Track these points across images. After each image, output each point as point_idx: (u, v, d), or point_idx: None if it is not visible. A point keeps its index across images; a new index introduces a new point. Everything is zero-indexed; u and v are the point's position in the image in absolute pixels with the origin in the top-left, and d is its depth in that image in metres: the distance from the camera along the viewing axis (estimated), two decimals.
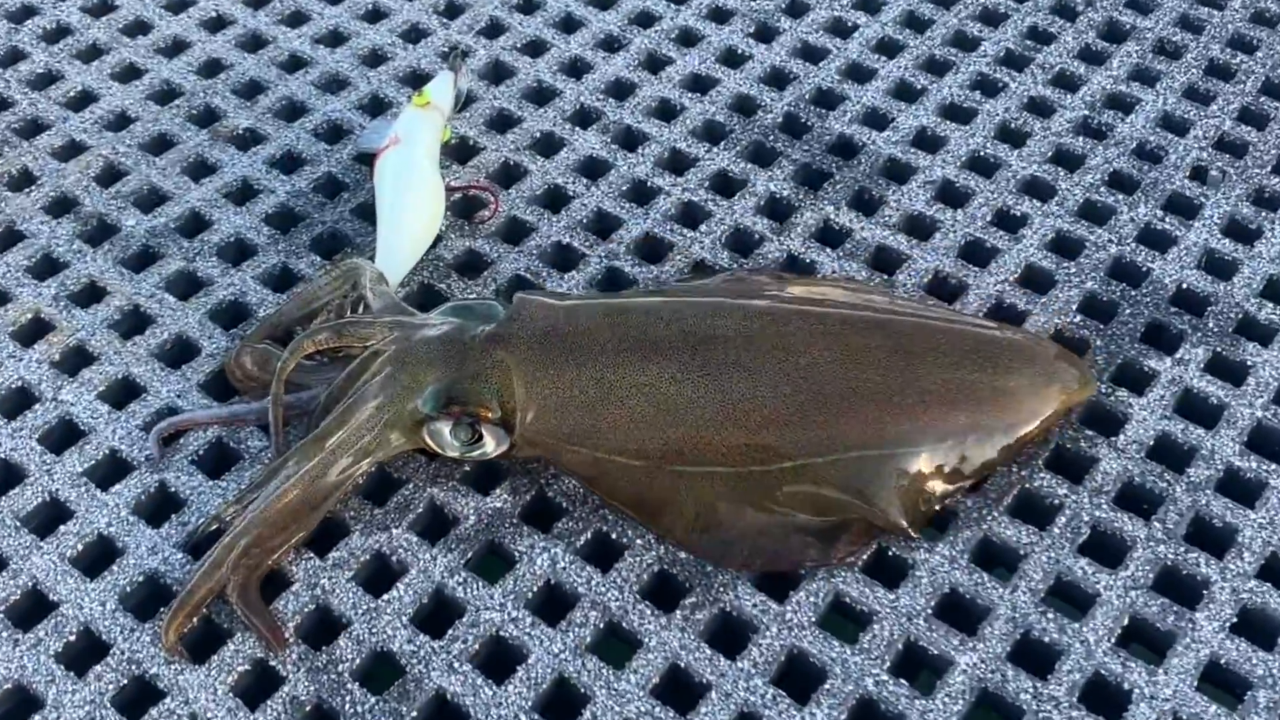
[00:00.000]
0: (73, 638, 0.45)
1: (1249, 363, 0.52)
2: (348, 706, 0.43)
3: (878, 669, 0.44)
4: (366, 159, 0.59)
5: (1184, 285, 0.55)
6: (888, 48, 0.66)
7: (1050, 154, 0.61)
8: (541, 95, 0.64)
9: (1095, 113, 0.63)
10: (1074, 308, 0.55)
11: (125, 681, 0.44)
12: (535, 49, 0.66)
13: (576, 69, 0.65)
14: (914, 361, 0.49)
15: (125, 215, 0.58)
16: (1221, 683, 0.44)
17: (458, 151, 0.61)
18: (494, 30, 0.67)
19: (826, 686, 0.43)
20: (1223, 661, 0.44)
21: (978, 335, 0.50)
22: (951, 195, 0.59)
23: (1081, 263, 0.56)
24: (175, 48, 0.66)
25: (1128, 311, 0.54)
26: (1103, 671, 0.44)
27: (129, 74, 0.65)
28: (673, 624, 0.45)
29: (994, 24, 0.68)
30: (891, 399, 0.48)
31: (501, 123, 0.63)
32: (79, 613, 0.45)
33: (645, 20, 0.68)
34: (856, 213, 0.58)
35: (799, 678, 0.44)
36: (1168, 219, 0.58)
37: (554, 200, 0.59)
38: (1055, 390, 0.49)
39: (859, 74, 0.65)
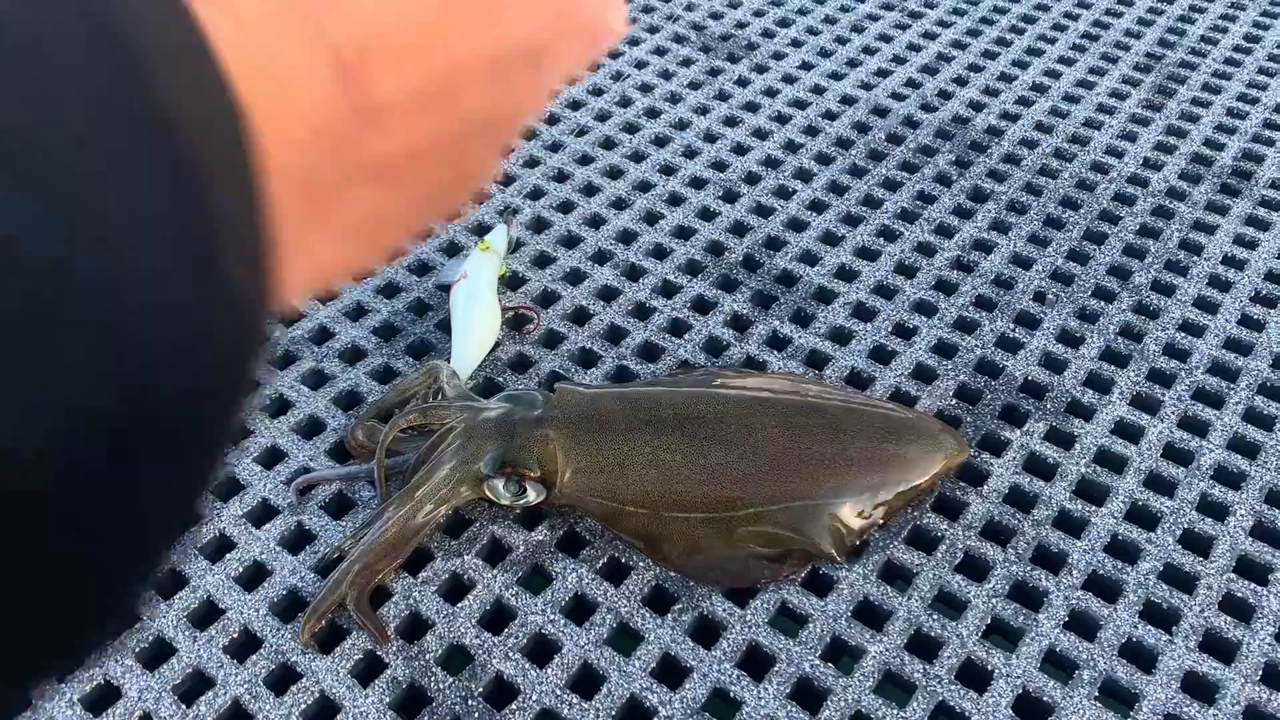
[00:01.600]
0: (235, 634, 0.47)
1: (1075, 433, 0.55)
2: (432, 684, 0.45)
3: (812, 656, 0.46)
4: (444, 288, 0.62)
5: (1029, 377, 0.58)
6: (818, 206, 0.70)
7: (933, 283, 0.64)
8: (570, 241, 0.67)
9: (965, 252, 0.66)
10: (951, 394, 0.57)
11: (273, 667, 0.46)
12: (566, 208, 0.70)
13: (595, 222, 0.68)
14: (841, 435, 0.51)
15: (271, 329, 0.61)
16: (1058, 664, 0.46)
17: (510, 282, 0.64)
18: (536, 194, 0.70)
19: (775, 669, 0.46)
20: (1058, 649, 0.46)
21: (885, 415, 0.53)
22: (863, 313, 0.62)
23: (956, 361, 0.59)
24: None
25: (989, 397, 0.57)
26: (972, 657, 0.46)
27: None
28: (665, 624, 0.47)
29: (892, 189, 0.71)
30: (825, 463, 0.50)
31: (542, 261, 0.66)
32: (240, 616, 0.47)
33: (644, 187, 0.71)
34: (796, 325, 0.61)
35: (756, 663, 0.46)
36: (1018, 330, 0.61)
37: (580, 317, 0.62)
38: (940, 456, 0.52)
39: (797, 225, 0.68)
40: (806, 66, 0.82)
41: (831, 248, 0.66)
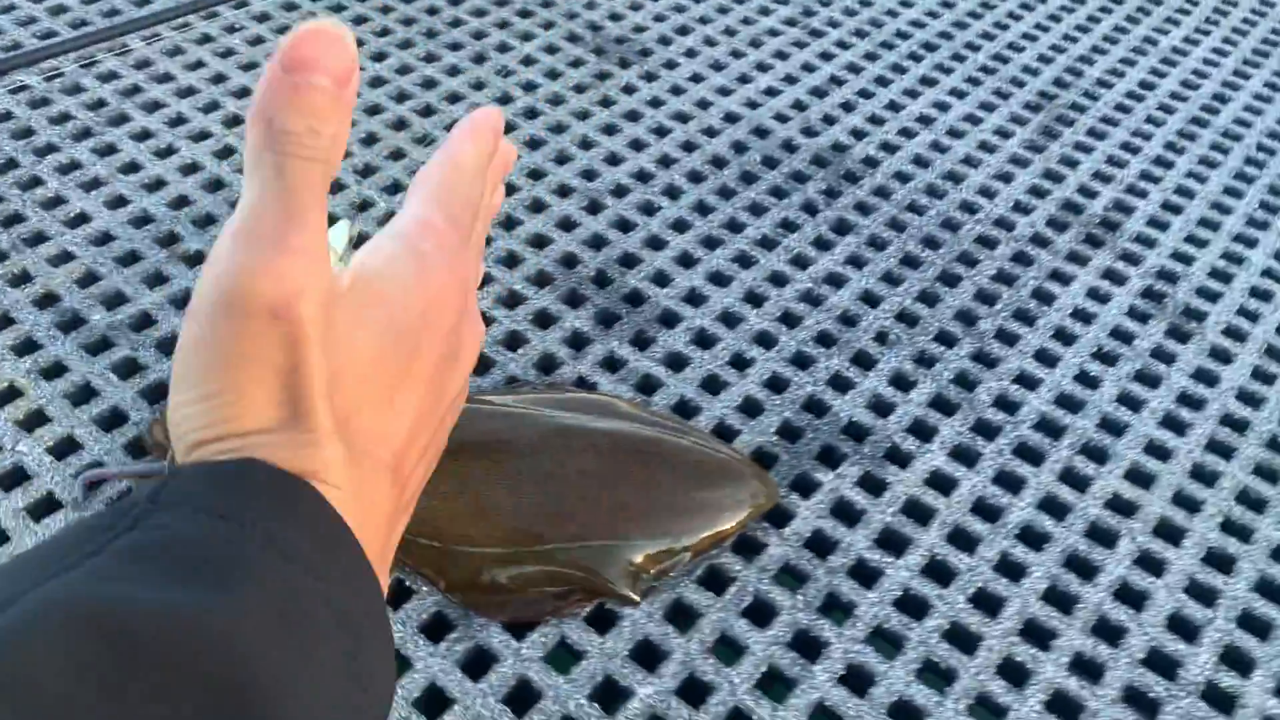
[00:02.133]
0: None
1: (888, 481, 0.55)
2: None
3: (580, 695, 0.46)
4: None
5: (854, 419, 0.58)
6: (680, 225, 0.69)
7: (779, 314, 0.63)
8: None
9: (816, 285, 0.66)
10: (774, 429, 0.57)
11: None
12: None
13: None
14: (652, 479, 0.50)
15: (93, 311, 0.59)
16: (828, 718, 0.46)
17: None
18: (394, 189, 0.69)
19: (540, 705, 0.45)
20: (828, 703, 0.46)
21: (699, 459, 0.52)
22: (704, 339, 0.62)
23: (785, 397, 0.59)
24: (155, 185, 0.68)
25: (810, 436, 0.57)
26: (740, 706, 0.46)
27: (117, 202, 0.66)
28: (437, 653, 0.46)
29: (757, 214, 0.70)
30: (633, 506, 0.49)
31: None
32: None
33: (509, 190, 0.70)
34: (634, 347, 0.60)
35: (523, 698, 0.46)
36: (852, 369, 0.61)
37: None
38: (748, 503, 0.51)
39: (656, 244, 0.67)
40: (696, 79, 0.81)
41: (685, 269, 0.65)
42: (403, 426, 0.32)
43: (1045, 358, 0.62)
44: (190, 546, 0.25)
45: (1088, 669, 0.48)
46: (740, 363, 0.60)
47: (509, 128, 0.75)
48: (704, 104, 0.79)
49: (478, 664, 0.47)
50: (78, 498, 0.50)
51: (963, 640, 0.49)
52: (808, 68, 0.83)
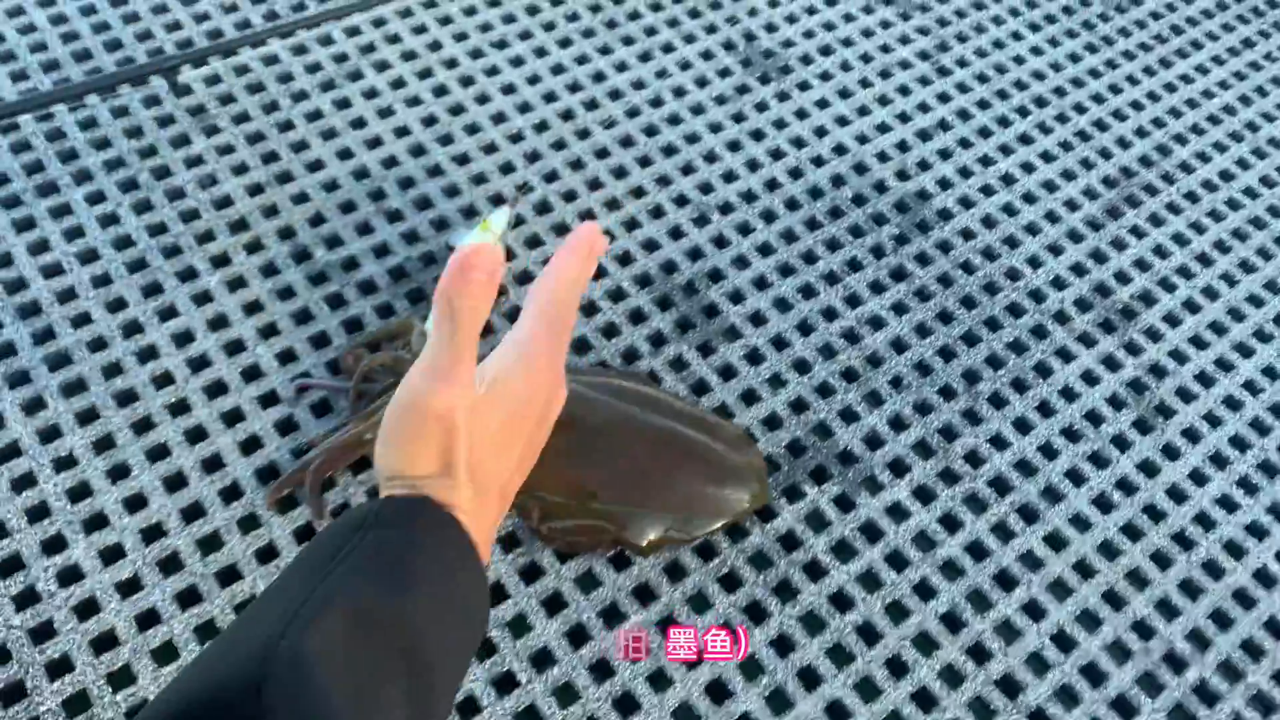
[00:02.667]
0: (227, 482, 0.70)
1: (857, 503, 0.73)
2: None
3: (592, 611, 0.67)
4: (450, 247, 0.81)
5: (849, 448, 0.76)
6: (766, 249, 0.85)
7: (820, 345, 0.80)
8: (561, 229, 0.84)
9: (859, 325, 0.82)
10: (784, 444, 0.75)
11: (245, 514, 0.69)
12: (570, 197, 0.87)
13: (587, 217, 0.85)
14: (681, 471, 0.69)
15: (317, 248, 0.81)
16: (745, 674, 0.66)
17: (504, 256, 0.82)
18: (551, 177, 0.87)
19: (564, 613, 0.67)
20: (756, 657, 0.67)
21: (723, 459, 0.71)
22: (754, 357, 0.79)
23: (802, 418, 0.76)
24: (374, 143, 0.88)
25: (810, 454, 0.75)
26: (697, 645, 0.67)
27: (344, 154, 0.87)
28: (505, 560, 0.68)
29: (832, 249, 0.86)
30: (661, 489, 0.69)
31: (532, 242, 0.83)
32: (234, 473, 0.70)
33: (638, 194, 0.87)
34: (698, 354, 0.79)
35: (555, 605, 0.68)
36: (862, 405, 0.78)
37: None
38: (747, 501, 0.70)
39: (742, 263, 0.84)
40: (822, 104, 0.95)
41: (758, 291, 0.82)
42: (509, 465, 0.52)
43: (1022, 425, 0.78)
44: (393, 556, 0.45)
45: (953, 678, 0.67)
46: (777, 382, 0.78)
47: (651, 130, 0.91)
48: (821, 132, 0.93)
49: (531, 573, 0.68)
50: (291, 397, 0.73)
51: (868, 636, 0.68)
52: (923, 108, 0.96)
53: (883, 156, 0.92)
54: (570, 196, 0.86)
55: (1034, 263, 0.87)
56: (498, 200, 0.85)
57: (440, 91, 0.91)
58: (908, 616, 0.69)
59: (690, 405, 0.74)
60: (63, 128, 0.84)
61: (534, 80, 0.93)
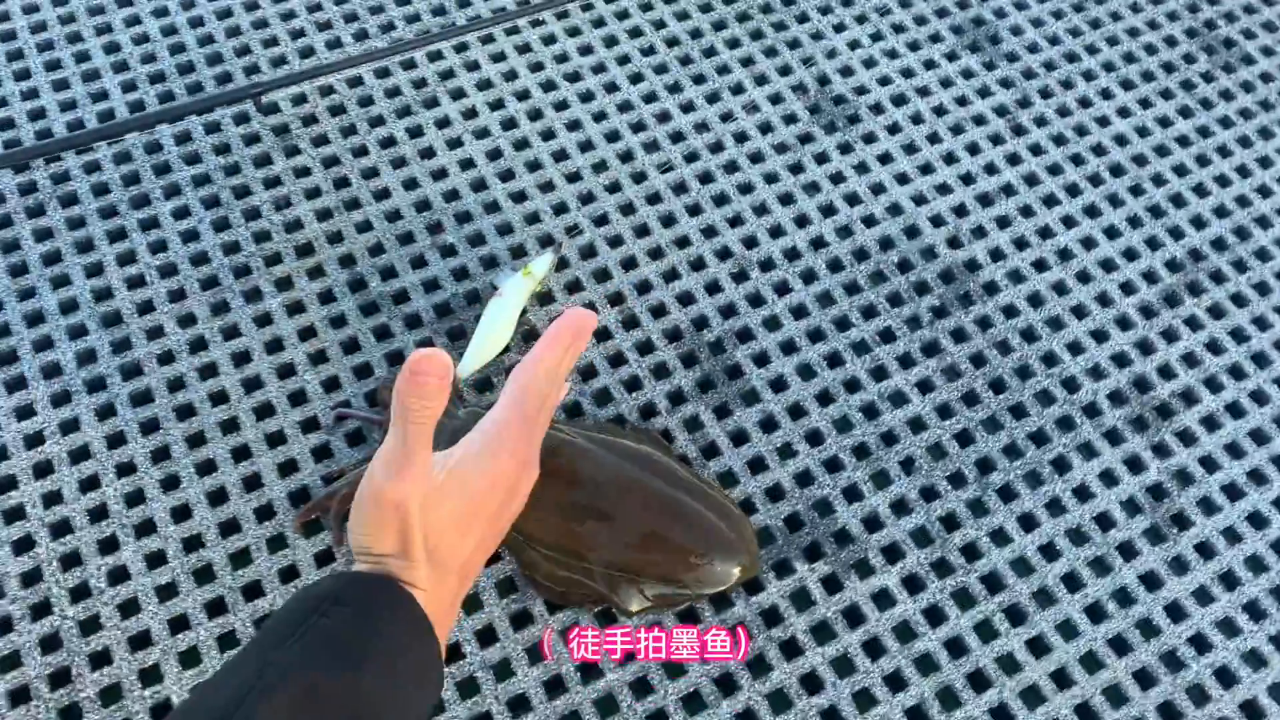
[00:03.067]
0: (261, 502, 0.77)
1: (845, 585, 0.75)
2: None
3: (572, 660, 0.72)
4: (494, 287, 0.85)
5: (846, 527, 0.77)
6: (800, 312, 0.86)
7: (837, 417, 0.82)
8: (601, 275, 0.88)
9: (880, 400, 0.83)
10: (783, 517, 0.78)
11: (271, 534, 0.76)
12: (615, 243, 0.89)
13: (629, 265, 0.88)
14: (674, 540, 0.72)
15: (372, 278, 0.86)
16: None
17: (541, 298, 0.86)
18: (600, 220, 0.90)
19: (546, 663, 0.72)
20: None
21: (717, 531, 0.73)
22: (768, 424, 0.81)
23: (805, 493, 0.78)
24: (439, 174, 0.92)
25: (808, 530, 0.77)
26: (666, 708, 0.71)
27: (410, 184, 0.92)
28: (499, 605, 0.74)
29: (867, 317, 0.87)
30: (654, 556, 0.72)
31: (573, 286, 0.87)
32: (270, 494, 0.77)
33: (682, 243, 0.89)
34: (714, 415, 0.81)
35: (538, 654, 0.73)
36: (868, 484, 0.79)
37: None
38: (736, 575, 0.73)
39: (773, 324, 0.86)
40: (885, 159, 0.94)
41: (784, 356, 0.84)
42: (468, 546, 0.57)
43: (1027, 522, 0.78)
44: (347, 635, 0.51)
45: None
46: (787, 452, 0.80)
47: (706, 177, 0.92)
48: (878, 189, 0.93)
49: (521, 619, 0.73)
50: (329, 424, 0.79)
51: None
52: (990, 169, 0.94)
53: (937, 220, 0.91)
54: (616, 242, 0.89)
55: (1074, 349, 0.85)
56: (546, 241, 0.88)
57: (509, 124, 0.94)
58: (874, 706, 0.71)
59: (693, 473, 0.77)
60: (159, 139, 0.91)
61: (600, 117, 0.95)
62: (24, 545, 0.74)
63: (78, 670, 0.70)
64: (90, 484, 0.77)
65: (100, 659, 0.71)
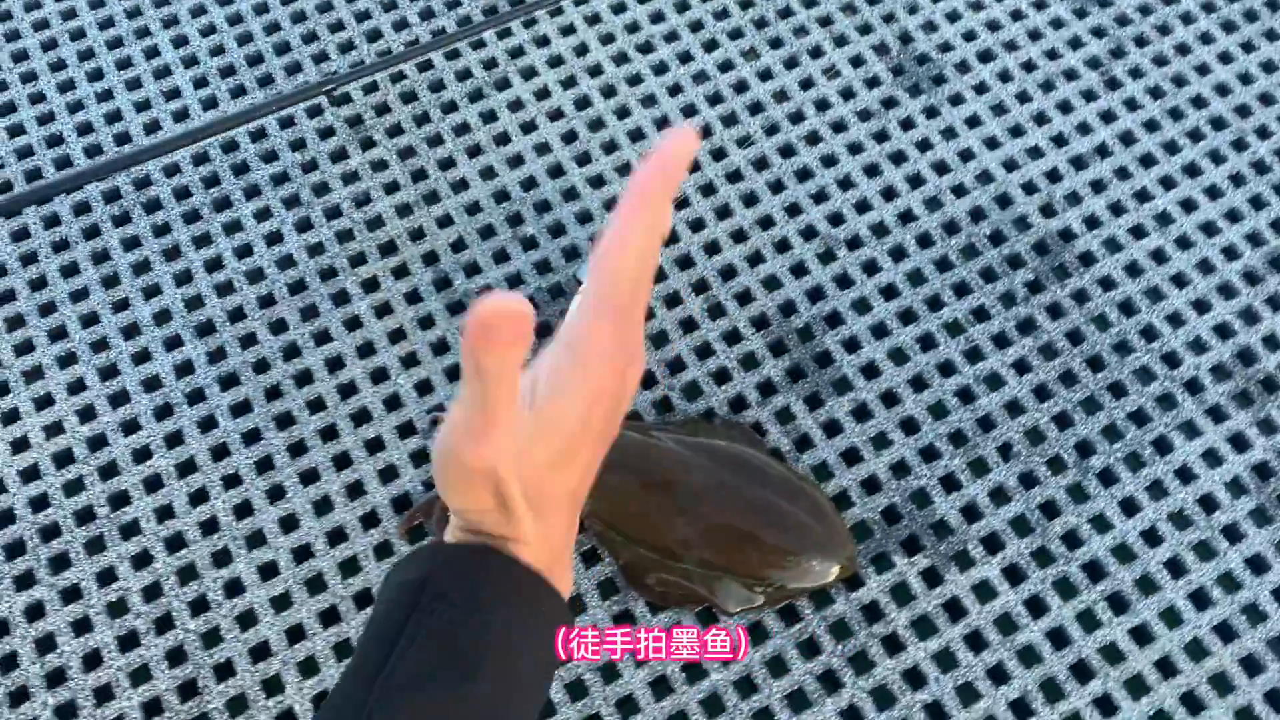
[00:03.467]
0: (364, 511, 0.79)
1: (945, 578, 0.75)
2: None
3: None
4: (578, 279, 0.84)
5: (945, 519, 0.77)
6: (890, 292, 0.85)
7: (932, 404, 0.81)
8: (685, 262, 0.86)
9: (976, 384, 0.81)
10: (880, 510, 0.77)
11: (380, 541, 0.78)
12: (697, 226, 0.88)
13: (712, 249, 0.86)
14: (770, 539, 0.73)
15: (456, 276, 0.86)
16: None
17: None
18: (680, 204, 0.88)
19: (650, 663, 0.73)
20: None
21: (810, 531, 0.74)
22: (861, 413, 0.80)
23: (902, 484, 0.78)
24: (515, 161, 0.91)
25: (905, 523, 0.77)
26: (770, 706, 0.72)
27: (487, 173, 0.90)
28: (603, 607, 0.75)
29: (960, 295, 0.85)
30: (751, 556, 0.73)
31: (657, 274, 0.86)
32: (373, 500, 0.79)
33: (766, 224, 0.87)
34: (806, 406, 0.81)
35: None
36: (965, 473, 0.78)
37: (659, 340, 0.83)
38: (834, 571, 0.73)
39: (862, 307, 0.84)
40: (973, 122, 0.91)
41: (875, 340, 0.83)
42: (576, 474, 0.47)
43: (1129, 507, 0.77)
44: (459, 636, 0.44)
45: None
46: (881, 441, 0.80)
47: (788, 150, 0.90)
48: (967, 155, 0.90)
49: (623, 619, 0.75)
50: (425, 429, 0.80)
51: (935, 714, 0.72)
52: (1083, 128, 0.90)
53: (1029, 187, 0.88)
54: (698, 225, 0.87)
55: (1175, 320, 0.83)
56: None
57: (582, 104, 0.92)
58: (978, 700, 0.72)
59: (787, 468, 0.77)
60: (236, 138, 0.91)
61: (675, 90, 0.92)
62: (142, 561, 0.77)
63: (204, 682, 0.73)
64: (199, 497, 0.79)
65: (224, 671, 0.74)
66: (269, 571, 0.76)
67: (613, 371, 0.45)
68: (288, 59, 0.94)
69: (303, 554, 0.77)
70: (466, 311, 0.39)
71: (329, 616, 0.75)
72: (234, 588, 0.76)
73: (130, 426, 0.81)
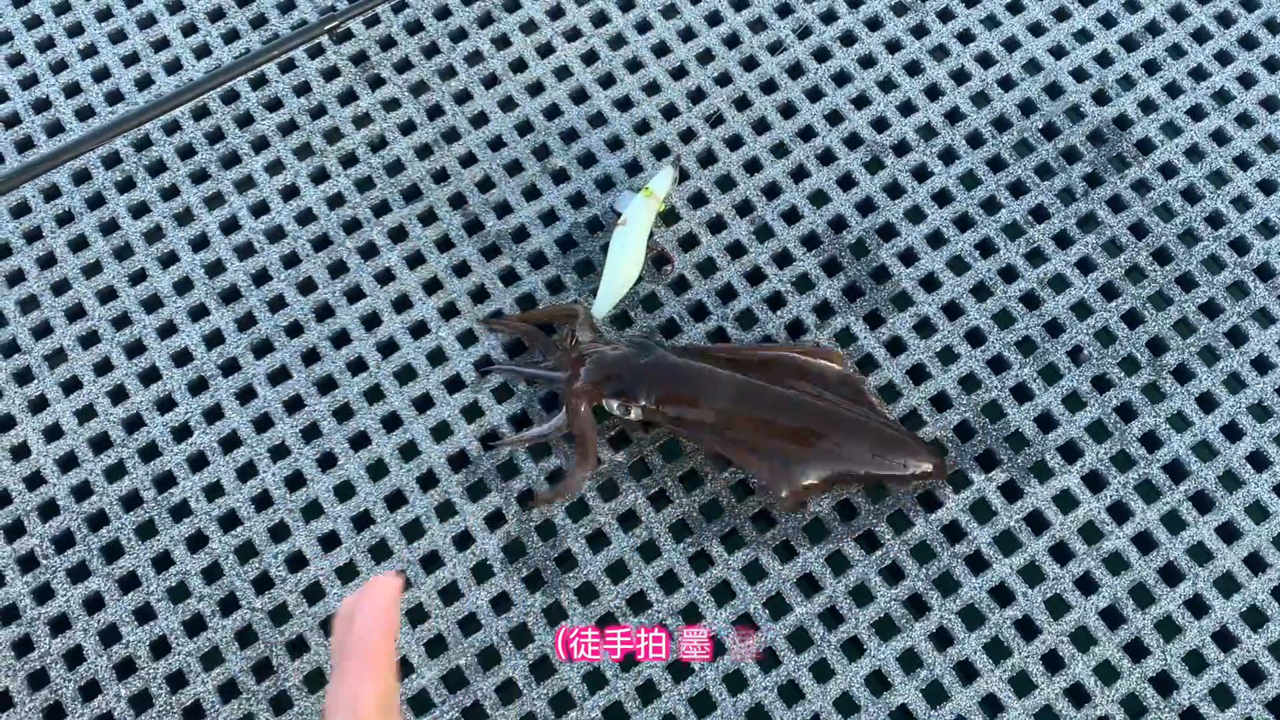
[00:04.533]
0: (439, 501, 0.78)
1: (1025, 491, 0.75)
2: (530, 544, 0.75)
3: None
4: (615, 212, 0.82)
5: (1020, 430, 0.77)
6: (943, 198, 0.83)
7: (996, 311, 0.80)
8: (725, 183, 0.84)
9: (1040, 287, 0.80)
10: (952, 427, 0.77)
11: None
12: (734, 144, 0.86)
13: (752, 167, 0.84)
14: (842, 446, 0.73)
15: (488, 217, 0.84)
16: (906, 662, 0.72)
17: (666, 217, 0.83)
18: (716, 121, 0.86)
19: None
20: (915, 650, 0.73)
21: (892, 435, 0.74)
22: (924, 328, 0.80)
23: (973, 398, 0.78)
24: (536, 88, 0.88)
25: (979, 438, 0.77)
26: (859, 635, 0.73)
27: (507, 104, 0.88)
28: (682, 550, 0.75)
29: (1016, 194, 0.83)
30: (822, 453, 0.73)
31: (697, 200, 0.84)
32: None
33: (807, 134, 0.85)
34: (866, 325, 0.80)
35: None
36: (1037, 381, 0.78)
37: (707, 269, 0.82)
38: (911, 468, 0.74)
39: (916, 215, 0.83)
40: (1014, 8, 0.88)
41: (932, 250, 0.82)
42: None
43: (1206, 402, 0.77)
44: None
45: (1109, 674, 0.71)
46: (947, 356, 0.79)
47: (823, 54, 0.87)
48: (1011, 44, 0.87)
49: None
50: (474, 380, 0.79)
51: (1025, 629, 0.72)
52: (1131, 5, 0.88)
53: (1080, 74, 0.86)
54: (735, 143, 0.85)
55: (1241, 203, 0.82)
56: (660, 152, 0.85)
57: (599, 19, 0.89)
58: (1066, 612, 0.73)
59: (861, 383, 0.76)
60: (235, 86, 0.88)
61: None
62: (198, 542, 0.76)
63: (278, 660, 0.73)
64: (248, 471, 0.78)
65: (297, 646, 0.74)
66: (330, 542, 0.76)
67: None
68: None
69: (362, 521, 0.76)
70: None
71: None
72: (296, 562, 0.76)
73: (166, 404, 0.80)
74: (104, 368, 0.81)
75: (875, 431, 0.74)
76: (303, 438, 0.78)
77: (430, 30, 0.89)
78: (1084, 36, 0.87)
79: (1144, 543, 0.74)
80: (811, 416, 0.74)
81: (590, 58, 0.88)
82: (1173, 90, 0.85)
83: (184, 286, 0.82)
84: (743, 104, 0.86)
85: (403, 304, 0.82)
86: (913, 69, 0.87)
